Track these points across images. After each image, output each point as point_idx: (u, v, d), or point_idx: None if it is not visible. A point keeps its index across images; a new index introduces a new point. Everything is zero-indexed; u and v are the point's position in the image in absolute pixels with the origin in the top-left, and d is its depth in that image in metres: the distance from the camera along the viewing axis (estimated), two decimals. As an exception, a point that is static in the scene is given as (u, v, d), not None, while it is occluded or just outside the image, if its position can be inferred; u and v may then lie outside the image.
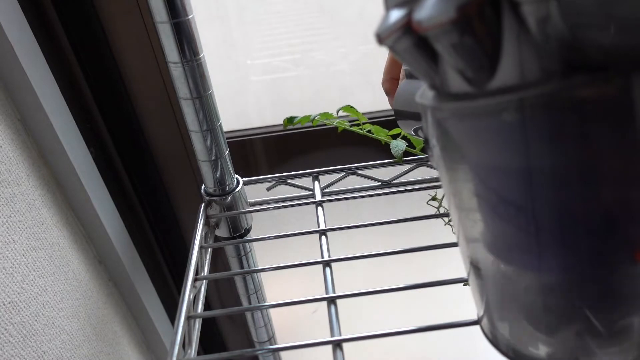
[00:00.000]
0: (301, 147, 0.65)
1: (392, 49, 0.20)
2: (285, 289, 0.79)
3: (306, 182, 0.51)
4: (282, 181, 0.51)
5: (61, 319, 0.45)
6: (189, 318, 0.37)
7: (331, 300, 0.36)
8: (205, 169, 0.47)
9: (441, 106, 0.21)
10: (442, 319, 0.34)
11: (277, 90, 0.66)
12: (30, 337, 0.41)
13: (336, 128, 0.50)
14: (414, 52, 0.20)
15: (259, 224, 0.54)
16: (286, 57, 0.64)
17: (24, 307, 0.40)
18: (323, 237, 0.42)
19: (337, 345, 0.33)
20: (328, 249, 0.41)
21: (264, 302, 0.57)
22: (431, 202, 0.45)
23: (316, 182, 0.50)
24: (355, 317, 0.63)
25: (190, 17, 0.38)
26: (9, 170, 0.40)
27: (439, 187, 0.46)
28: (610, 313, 0.22)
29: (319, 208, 0.46)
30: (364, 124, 0.50)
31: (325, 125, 0.50)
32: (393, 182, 0.50)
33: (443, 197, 0.44)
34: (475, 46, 0.17)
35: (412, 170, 0.50)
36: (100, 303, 0.53)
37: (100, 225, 0.52)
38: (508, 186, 0.20)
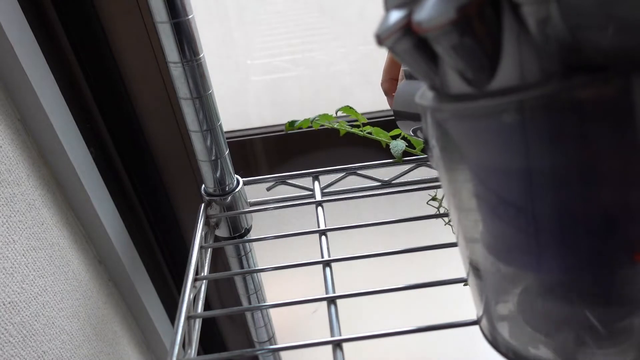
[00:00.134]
0: (301, 147, 0.65)
1: (391, 49, 0.20)
2: (285, 289, 0.79)
3: (306, 182, 0.51)
4: (282, 181, 0.51)
5: (61, 319, 0.46)
6: (189, 318, 0.37)
7: (331, 300, 0.36)
8: (205, 169, 0.47)
9: (441, 107, 0.21)
10: (442, 319, 0.34)
11: (277, 90, 0.66)
12: (30, 337, 0.41)
13: (336, 127, 0.50)
14: (414, 53, 0.20)
15: (259, 224, 0.54)
16: (286, 57, 0.64)
17: (24, 307, 0.40)
18: (323, 237, 0.42)
19: (337, 345, 0.33)
20: (328, 249, 0.41)
21: (264, 302, 0.57)
22: (431, 202, 0.45)
23: (316, 182, 0.50)
24: (355, 317, 0.63)
25: (190, 17, 0.38)
26: (9, 170, 0.40)
27: (438, 187, 0.46)
28: (610, 314, 0.22)
29: (319, 208, 0.46)
30: (364, 125, 0.50)
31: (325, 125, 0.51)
32: (393, 182, 0.50)
33: (443, 197, 0.44)
34: (475, 47, 0.17)
35: (412, 170, 0.50)
36: (100, 303, 0.53)
37: (100, 225, 0.52)
38: (508, 187, 0.20)
